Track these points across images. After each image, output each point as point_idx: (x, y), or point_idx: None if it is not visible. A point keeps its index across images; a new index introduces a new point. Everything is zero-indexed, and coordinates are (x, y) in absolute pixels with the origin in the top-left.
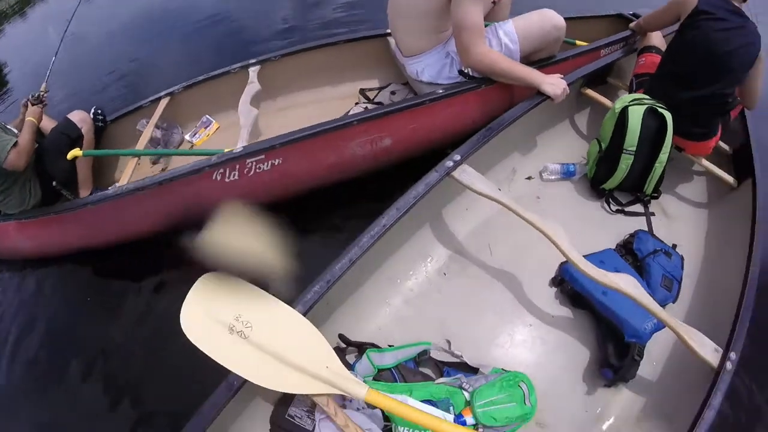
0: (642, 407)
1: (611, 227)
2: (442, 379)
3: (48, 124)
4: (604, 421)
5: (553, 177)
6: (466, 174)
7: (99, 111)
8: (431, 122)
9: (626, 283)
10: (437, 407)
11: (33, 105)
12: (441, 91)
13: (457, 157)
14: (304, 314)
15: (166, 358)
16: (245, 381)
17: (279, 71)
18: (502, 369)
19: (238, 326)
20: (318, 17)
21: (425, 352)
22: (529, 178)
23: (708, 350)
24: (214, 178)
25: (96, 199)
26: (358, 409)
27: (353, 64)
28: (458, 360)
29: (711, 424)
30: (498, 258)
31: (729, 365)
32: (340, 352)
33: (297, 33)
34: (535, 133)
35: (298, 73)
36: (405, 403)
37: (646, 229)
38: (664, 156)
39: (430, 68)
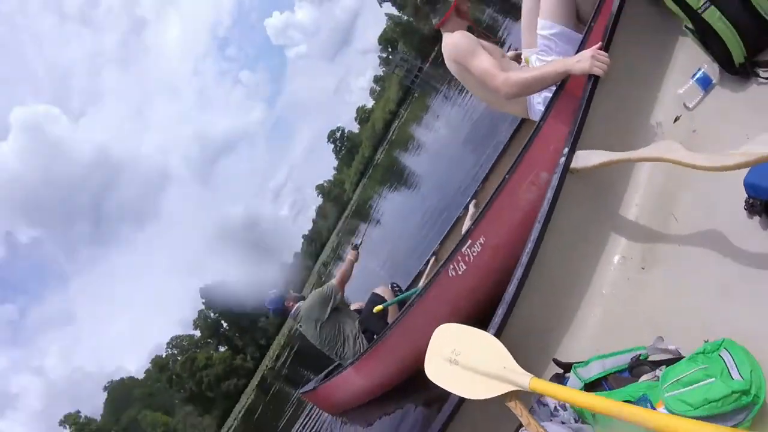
0: None
1: None
2: (644, 377)
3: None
4: None
5: (697, 98)
6: (581, 158)
7: (395, 283)
8: (561, 133)
9: None
10: None
11: (353, 250)
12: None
13: (565, 150)
14: (497, 335)
15: None
16: (462, 398)
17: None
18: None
19: (453, 356)
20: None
21: (640, 359)
22: (676, 119)
23: None
24: (450, 275)
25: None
26: (563, 423)
27: None
28: (675, 356)
29: None
30: (687, 222)
31: None
32: (559, 378)
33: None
34: (636, 83)
35: None
36: (575, 390)
37: None
38: None
39: (539, 106)
